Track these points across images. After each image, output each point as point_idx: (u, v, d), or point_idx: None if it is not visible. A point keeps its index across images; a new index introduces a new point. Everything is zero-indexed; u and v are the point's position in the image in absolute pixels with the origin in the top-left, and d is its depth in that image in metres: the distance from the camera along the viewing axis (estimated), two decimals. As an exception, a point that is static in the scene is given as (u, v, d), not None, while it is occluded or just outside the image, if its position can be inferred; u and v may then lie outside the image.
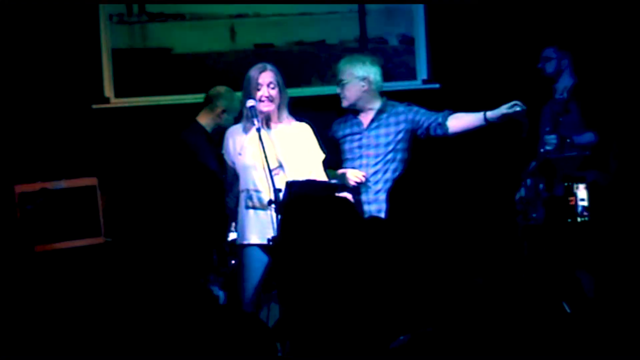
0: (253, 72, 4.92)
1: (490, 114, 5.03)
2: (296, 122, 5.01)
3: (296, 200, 2.48)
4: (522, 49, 6.76)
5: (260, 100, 4.87)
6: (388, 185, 5.19)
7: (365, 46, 6.88)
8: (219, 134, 5.56)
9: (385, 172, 5.22)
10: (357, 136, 5.30)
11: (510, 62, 6.82)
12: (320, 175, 4.97)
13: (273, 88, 4.87)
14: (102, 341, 1.89)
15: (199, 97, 6.74)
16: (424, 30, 6.92)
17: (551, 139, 5.66)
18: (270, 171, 4.68)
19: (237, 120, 5.40)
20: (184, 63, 6.75)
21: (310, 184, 4.73)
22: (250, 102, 4.88)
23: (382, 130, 5.26)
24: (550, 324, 2.47)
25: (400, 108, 5.29)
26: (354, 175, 5.19)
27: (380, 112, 5.28)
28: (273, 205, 4.64)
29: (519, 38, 6.85)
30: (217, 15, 6.77)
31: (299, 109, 5.15)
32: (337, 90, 5.29)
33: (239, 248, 4.96)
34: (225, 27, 6.78)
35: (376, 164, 5.23)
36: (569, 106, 5.89)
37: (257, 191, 4.83)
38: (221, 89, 5.83)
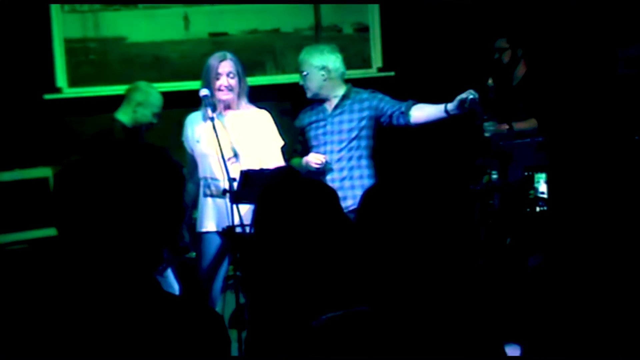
0: (213, 61, 4.92)
1: (450, 105, 5.04)
2: (255, 109, 5.02)
3: (270, 189, 2.46)
4: (475, 37, 6.80)
5: (219, 90, 4.88)
6: (353, 172, 5.21)
7: (319, 34, 6.87)
8: (143, 128, 5.55)
9: (350, 159, 5.23)
10: (322, 122, 5.31)
11: (463, 50, 6.86)
12: (279, 162, 4.98)
13: (232, 77, 4.89)
14: (52, 336, 1.86)
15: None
16: (379, 19, 6.93)
17: (488, 125, 5.70)
18: (224, 160, 4.67)
19: (155, 116, 5.46)
20: (138, 52, 6.69)
21: (264, 172, 4.73)
22: (203, 92, 4.89)
23: (346, 117, 5.27)
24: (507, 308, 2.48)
25: (365, 95, 5.31)
26: (314, 158, 5.21)
27: (344, 98, 5.29)
28: (228, 194, 4.65)
29: (472, 26, 6.89)
30: (170, 4, 6.71)
31: (254, 98, 5.14)
32: (300, 82, 5.31)
33: (198, 235, 4.97)
34: (179, 15, 6.73)
35: (340, 150, 5.24)
36: (518, 94, 5.94)
37: (214, 179, 4.84)
38: (140, 83, 5.79)
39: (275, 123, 5.08)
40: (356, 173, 5.19)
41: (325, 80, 5.26)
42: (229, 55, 4.96)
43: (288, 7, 6.80)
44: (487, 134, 5.70)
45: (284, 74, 6.81)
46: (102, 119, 5.98)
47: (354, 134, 5.24)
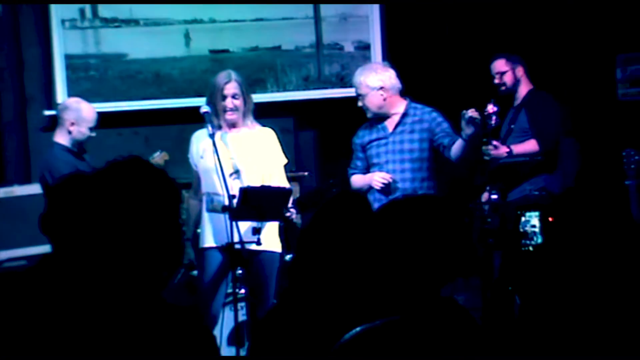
0: (218, 81, 4.93)
1: (462, 133, 5.01)
2: (260, 127, 5.03)
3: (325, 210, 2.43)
4: (477, 56, 6.79)
5: (224, 111, 4.88)
6: (417, 194, 5.12)
7: (321, 52, 6.87)
8: (82, 147, 5.45)
9: (413, 180, 5.20)
10: (383, 141, 5.29)
11: (465, 68, 6.85)
12: (281, 180, 4.98)
13: (237, 98, 4.91)
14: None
15: (153, 104, 6.69)
16: (381, 37, 6.93)
17: (487, 149, 5.54)
18: (224, 176, 4.66)
19: (92, 130, 5.39)
20: (138, 69, 6.69)
21: (264, 190, 4.72)
22: (204, 109, 4.90)
23: (407, 136, 5.24)
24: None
25: (426, 115, 5.27)
26: (379, 177, 5.20)
27: (404, 115, 5.28)
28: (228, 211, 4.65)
29: (475, 45, 6.89)
30: (171, 21, 6.72)
31: (254, 115, 5.13)
32: (359, 103, 5.31)
33: (199, 251, 4.95)
34: (180, 32, 6.73)
35: (403, 170, 5.21)
36: (519, 114, 5.89)
37: (216, 195, 4.83)
38: (69, 101, 5.62)
39: (279, 141, 5.08)
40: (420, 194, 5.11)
41: (384, 99, 5.26)
42: (233, 76, 4.97)
43: (289, 25, 6.81)
44: (486, 158, 5.63)
45: (284, 91, 6.81)
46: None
47: (415, 155, 5.22)
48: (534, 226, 5.44)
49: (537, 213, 5.39)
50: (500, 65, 5.90)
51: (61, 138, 5.42)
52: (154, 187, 1.94)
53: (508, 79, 5.90)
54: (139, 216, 1.91)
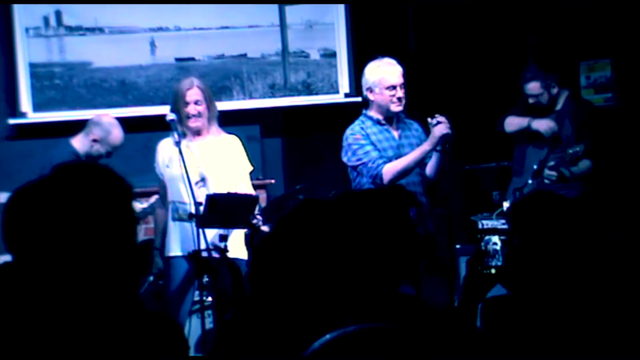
0: (181, 87, 4.93)
1: (427, 143, 4.81)
2: (225, 134, 5.02)
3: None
4: (443, 64, 6.83)
5: (188, 117, 4.87)
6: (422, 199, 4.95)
7: (286, 60, 6.87)
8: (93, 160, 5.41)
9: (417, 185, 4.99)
10: (394, 144, 4.97)
11: (431, 77, 6.89)
12: (247, 187, 4.98)
13: (200, 104, 4.89)
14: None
15: (119, 112, 6.66)
16: (347, 44, 6.94)
17: (552, 175, 5.46)
18: (190, 184, 4.66)
19: (109, 156, 5.40)
20: (103, 77, 6.66)
21: (231, 197, 4.72)
22: (169, 116, 4.89)
23: (414, 140, 4.99)
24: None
25: (415, 125, 5.05)
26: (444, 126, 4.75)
27: (399, 121, 5.03)
28: (194, 219, 4.64)
29: (441, 53, 6.92)
30: (136, 29, 6.70)
31: (220, 123, 5.13)
32: (398, 94, 4.89)
33: (165, 260, 4.93)
34: (146, 40, 6.71)
35: (420, 174, 4.97)
36: (564, 122, 5.71)
37: (183, 203, 4.82)
38: (105, 119, 5.58)
39: (244, 148, 5.08)
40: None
41: None
42: (196, 82, 4.96)
43: (255, 32, 6.81)
44: (547, 181, 5.43)
45: (251, 98, 6.81)
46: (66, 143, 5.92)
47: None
48: (495, 244, 5.45)
49: (497, 236, 5.40)
50: (534, 88, 5.70)
51: (79, 144, 5.43)
52: (102, 186, 1.94)
53: (543, 99, 5.69)
54: (91, 217, 1.91)
